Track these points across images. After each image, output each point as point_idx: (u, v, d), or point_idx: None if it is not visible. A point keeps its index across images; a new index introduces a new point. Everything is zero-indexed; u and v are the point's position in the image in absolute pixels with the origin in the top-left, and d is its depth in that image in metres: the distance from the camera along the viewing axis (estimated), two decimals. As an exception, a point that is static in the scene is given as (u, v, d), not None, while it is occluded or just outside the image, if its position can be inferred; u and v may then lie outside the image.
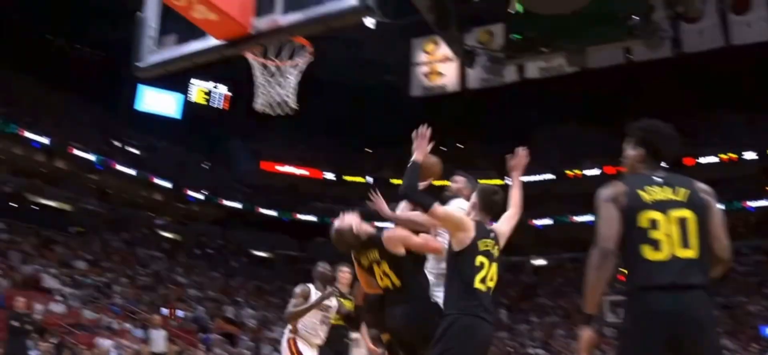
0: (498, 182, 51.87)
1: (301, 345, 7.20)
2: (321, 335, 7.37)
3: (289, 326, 7.31)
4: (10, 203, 34.03)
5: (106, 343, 19.96)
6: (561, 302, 40.54)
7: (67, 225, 35.26)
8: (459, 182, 5.60)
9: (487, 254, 4.54)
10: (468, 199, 5.12)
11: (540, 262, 47.66)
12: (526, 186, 5.11)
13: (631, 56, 9.26)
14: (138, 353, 18.28)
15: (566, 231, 46.81)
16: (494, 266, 4.58)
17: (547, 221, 47.98)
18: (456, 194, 5.52)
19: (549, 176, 49.42)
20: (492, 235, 4.65)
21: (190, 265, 38.65)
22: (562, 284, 42.91)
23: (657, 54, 8.77)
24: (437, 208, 4.49)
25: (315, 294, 7.25)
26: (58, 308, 24.04)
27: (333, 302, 7.40)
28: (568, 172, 50.06)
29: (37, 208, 36.74)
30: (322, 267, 7.52)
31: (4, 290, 23.18)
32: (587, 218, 46.21)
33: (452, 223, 4.57)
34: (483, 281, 4.49)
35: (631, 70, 12.23)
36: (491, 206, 4.78)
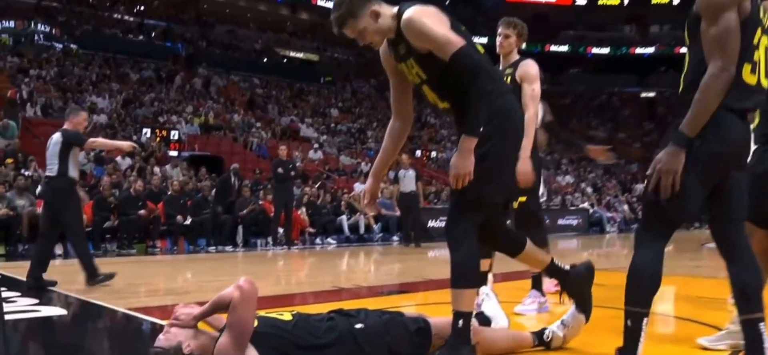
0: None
1: None
2: None
3: None
4: (262, 59, 35.22)
5: (362, 186, 19.68)
6: None
7: (317, 75, 35.91)
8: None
9: None
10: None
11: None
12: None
13: None
14: (391, 193, 17.68)
15: None
16: None
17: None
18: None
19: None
20: None
21: (439, 105, 37.99)
22: None
23: None
24: None
25: None
26: (315, 155, 24.43)
27: None
28: None
29: (286, 61, 37.80)
30: None
31: (266, 141, 23.96)
32: None
33: None
34: None
35: None
36: None
